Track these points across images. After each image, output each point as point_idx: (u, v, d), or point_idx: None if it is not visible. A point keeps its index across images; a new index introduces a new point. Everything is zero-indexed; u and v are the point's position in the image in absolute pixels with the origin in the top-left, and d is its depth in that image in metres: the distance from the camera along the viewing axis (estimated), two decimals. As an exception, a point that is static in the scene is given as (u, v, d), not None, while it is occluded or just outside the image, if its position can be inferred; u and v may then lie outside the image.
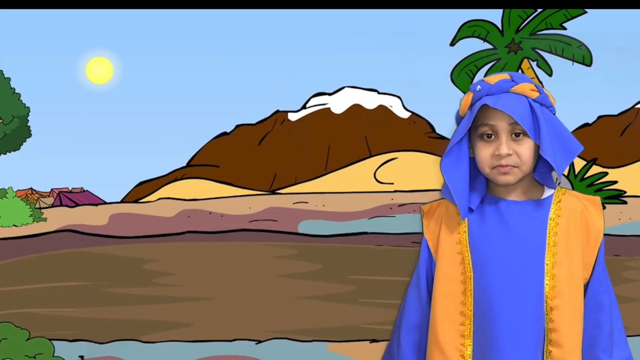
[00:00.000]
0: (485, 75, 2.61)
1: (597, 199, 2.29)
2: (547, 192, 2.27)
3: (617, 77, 2.62)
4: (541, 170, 2.30)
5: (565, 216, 2.22)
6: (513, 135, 2.19)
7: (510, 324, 2.19)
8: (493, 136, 2.20)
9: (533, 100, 2.18)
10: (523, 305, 2.19)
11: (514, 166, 2.18)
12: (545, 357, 2.20)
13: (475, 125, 2.22)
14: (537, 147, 2.20)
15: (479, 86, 2.21)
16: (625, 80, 2.63)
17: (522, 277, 2.19)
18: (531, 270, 2.19)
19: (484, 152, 2.20)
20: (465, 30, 2.63)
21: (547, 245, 2.19)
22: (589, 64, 2.62)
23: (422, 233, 2.44)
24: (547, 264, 2.18)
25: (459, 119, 2.29)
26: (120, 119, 2.66)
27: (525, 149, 2.18)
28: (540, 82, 2.62)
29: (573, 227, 2.22)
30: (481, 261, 2.22)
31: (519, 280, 2.19)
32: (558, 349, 2.18)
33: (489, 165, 2.21)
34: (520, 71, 2.62)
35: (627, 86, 2.62)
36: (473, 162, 2.27)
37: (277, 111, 2.67)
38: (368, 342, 2.67)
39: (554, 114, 2.29)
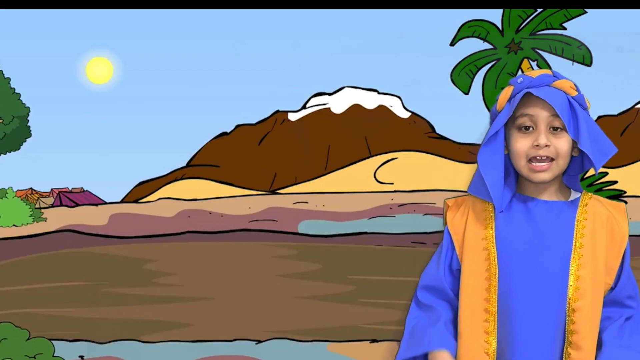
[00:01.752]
0: (485, 75, 2.64)
1: (622, 205, 2.28)
2: (574, 195, 2.27)
3: (617, 77, 2.63)
4: (571, 173, 2.30)
5: (592, 219, 2.22)
6: (551, 129, 2.18)
7: (531, 323, 2.19)
8: (531, 128, 2.18)
9: (572, 97, 2.19)
10: (545, 304, 2.19)
11: (550, 158, 2.17)
12: (564, 358, 2.20)
13: (514, 117, 2.20)
14: (572, 146, 2.20)
15: (520, 78, 2.20)
16: (625, 80, 2.63)
17: (546, 277, 2.19)
18: (556, 270, 2.19)
19: (521, 144, 2.19)
20: (465, 30, 2.64)
21: (573, 247, 2.19)
22: (589, 64, 2.62)
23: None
24: (573, 266, 2.18)
25: (494, 114, 2.26)
26: (120, 119, 2.67)
27: (563, 142, 2.17)
28: None
29: (599, 230, 2.22)
30: (507, 258, 2.21)
31: (543, 280, 2.19)
32: (577, 352, 2.18)
33: (526, 157, 2.19)
34: (520, 71, 2.63)
35: (627, 86, 2.61)
36: (506, 159, 2.26)
37: (277, 111, 2.67)
38: (368, 342, 2.67)
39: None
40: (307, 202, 2.68)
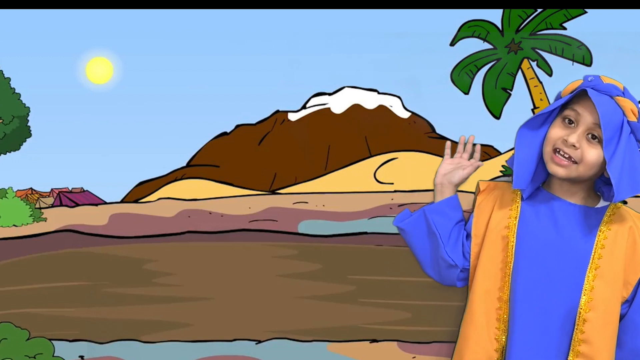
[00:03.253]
0: (485, 75, 2.64)
1: None
2: (602, 204, 2.26)
3: (617, 77, 2.56)
4: (601, 189, 2.28)
5: (615, 231, 2.20)
6: (589, 136, 2.16)
7: (533, 320, 2.19)
8: (573, 124, 2.17)
9: (628, 120, 2.15)
10: (550, 308, 2.18)
11: (572, 161, 2.15)
12: None
13: (565, 106, 2.20)
14: (603, 163, 2.17)
15: (592, 77, 2.19)
16: (625, 80, 2.59)
17: (557, 281, 2.18)
18: (570, 276, 2.18)
19: (556, 132, 2.18)
20: (465, 30, 2.63)
21: (592, 256, 2.18)
22: (589, 64, 2.61)
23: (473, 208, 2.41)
24: (589, 275, 2.17)
25: (558, 97, 2.26)
26: (120, 119, 2.66)
27: (593, 153, 2.14)
28: (540, 82, 2.62)
29: (620, 243, 2.19)
30: (524, 252, 2.21)
31: (554, 284, 2.18)
32: None
33: (552, 144, 2.18)
34: (520, 71, 2.63)
35: (627, 86, 2.59)
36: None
37: (277, 111, 2.67)
38: (368, 342, 2.66)
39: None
40: (307, 202, 2.67)
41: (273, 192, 2.69)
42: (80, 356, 2.70)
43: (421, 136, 2.66)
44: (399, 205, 2.65)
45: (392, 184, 2.67)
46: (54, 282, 2.68)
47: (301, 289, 2.67)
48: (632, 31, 2.62)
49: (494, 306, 2.22)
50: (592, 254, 2.17)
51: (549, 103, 2.60)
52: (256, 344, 2.68)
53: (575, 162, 2.15)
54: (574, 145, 2.14)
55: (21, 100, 2.67)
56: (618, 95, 2.14)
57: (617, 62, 2.62)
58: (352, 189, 2.67)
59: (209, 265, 2.68)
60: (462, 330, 2.28)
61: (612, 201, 2.16)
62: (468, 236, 2.33)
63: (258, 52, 2.64)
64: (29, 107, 2.67)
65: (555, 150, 2.17)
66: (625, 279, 2.19)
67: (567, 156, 2.15)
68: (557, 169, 2.16)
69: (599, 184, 2.28)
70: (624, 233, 2.19)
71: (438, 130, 2.66)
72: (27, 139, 2.68)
